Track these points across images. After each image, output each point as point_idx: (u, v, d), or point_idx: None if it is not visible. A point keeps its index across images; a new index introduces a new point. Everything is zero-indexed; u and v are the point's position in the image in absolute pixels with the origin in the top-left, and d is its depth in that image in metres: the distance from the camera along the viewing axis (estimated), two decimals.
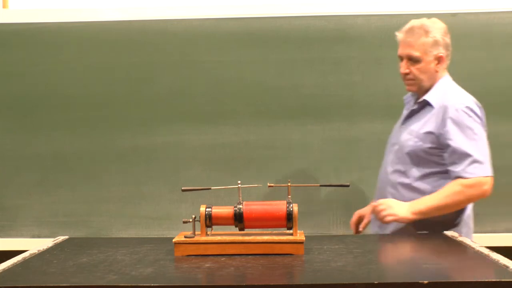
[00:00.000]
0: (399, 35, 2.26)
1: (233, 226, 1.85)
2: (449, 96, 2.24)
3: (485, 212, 2.84)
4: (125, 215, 2.89)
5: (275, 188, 2.17)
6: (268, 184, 2.00)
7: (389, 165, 2.32)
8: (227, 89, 2.91)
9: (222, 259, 1.73)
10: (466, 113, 2.19)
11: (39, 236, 2.88)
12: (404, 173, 2.26)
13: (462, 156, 2.15)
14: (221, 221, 1.83)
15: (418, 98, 2.32)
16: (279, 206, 1.82)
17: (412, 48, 2.22)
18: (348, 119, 2.87)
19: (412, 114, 2.32)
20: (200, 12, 2.86)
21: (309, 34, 2.88)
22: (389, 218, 2.15)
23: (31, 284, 1.51)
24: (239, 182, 1.91)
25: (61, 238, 2.18)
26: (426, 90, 2.28)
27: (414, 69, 2.24)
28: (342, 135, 2.85)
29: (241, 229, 1.84)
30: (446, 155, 2.19)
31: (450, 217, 2.22)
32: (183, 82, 2.86)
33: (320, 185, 2.15)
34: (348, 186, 1.94)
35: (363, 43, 2.87)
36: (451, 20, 2.85)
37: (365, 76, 2.87)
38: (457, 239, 2.03)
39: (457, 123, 2.17)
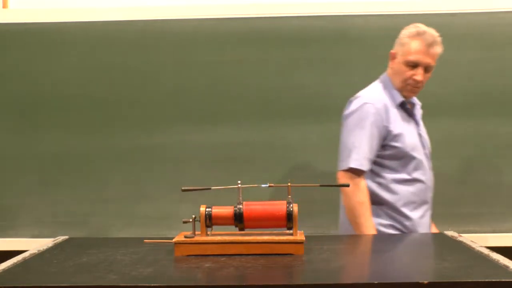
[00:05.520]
0: (421, 42, 2.26)
1: (233, 226, 1.86)
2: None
3: (485, 212, 2.85)
4: (125, 215, 2.89)
5: (275, 188, 2.17)
6: (269, 184, 2.00)
7: (430, 169, 2.37)
8: (227, 89, 2.91)
9: (222, 259, 1.73)
10: None
11: (39, 236, 2.88)
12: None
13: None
14: (221, 221, 1.83)
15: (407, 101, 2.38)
16: (279, 206, 1.82)
17: (433, 59, 2.28)
18: None
19: (413, 116, 2.38)
20: (199, 12, 2.86)
21: (309, 34, 2.87)
22: None
23: (31, 284, 1.51)
24: (239, 182, 1.91)
25: (61, 238, 2.17)
26: None
27: (425, 78, 2.30)
28: None
29: (241, 229, 1.84)
30: None
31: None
32: (183, 82, 2.86)
33: (320, 185, 2.13)
34: (348, 186, 1.94)
35: (363, 43, 2.87)
36: (451, 20, 2.85)
37: (365, 76, 2.87)
38: (457, 239, 2.03)
39: None
